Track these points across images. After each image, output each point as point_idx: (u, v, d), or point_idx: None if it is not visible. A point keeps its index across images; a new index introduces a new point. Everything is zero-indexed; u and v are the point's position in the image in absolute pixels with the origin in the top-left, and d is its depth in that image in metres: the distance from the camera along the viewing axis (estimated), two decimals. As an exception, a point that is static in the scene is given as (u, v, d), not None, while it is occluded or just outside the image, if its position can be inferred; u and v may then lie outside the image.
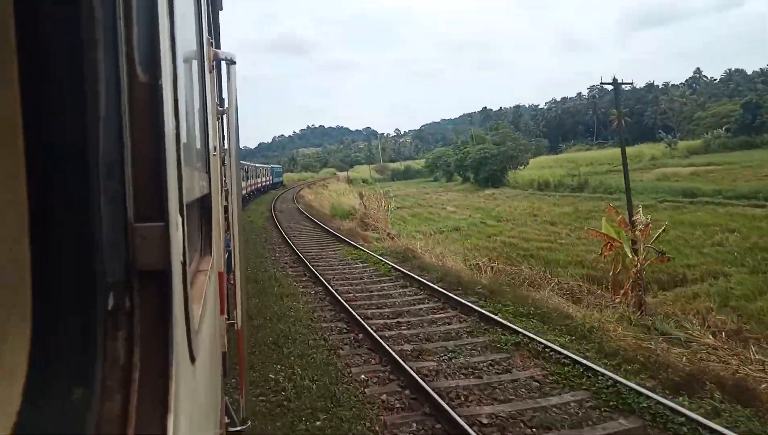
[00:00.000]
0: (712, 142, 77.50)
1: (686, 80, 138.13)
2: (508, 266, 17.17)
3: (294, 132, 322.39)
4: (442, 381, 6.79)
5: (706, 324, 12.03)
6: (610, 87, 22.47)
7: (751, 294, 17.94)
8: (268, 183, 56.68)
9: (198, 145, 1.84)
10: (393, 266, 14.11)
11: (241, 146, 3.09)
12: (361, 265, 15.08)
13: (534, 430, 5.48)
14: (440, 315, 9.81)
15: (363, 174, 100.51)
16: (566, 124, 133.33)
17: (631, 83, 21.57)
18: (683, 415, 5.46)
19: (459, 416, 5.53)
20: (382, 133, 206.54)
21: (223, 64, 2.76)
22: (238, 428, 2.78)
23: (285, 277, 13.55)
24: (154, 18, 0.77)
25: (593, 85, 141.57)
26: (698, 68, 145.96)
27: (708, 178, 48.96)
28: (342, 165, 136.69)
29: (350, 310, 9.91)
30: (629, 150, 50.00)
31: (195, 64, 1.81)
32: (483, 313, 9.34)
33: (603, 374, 6.43)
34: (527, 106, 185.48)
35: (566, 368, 6.86)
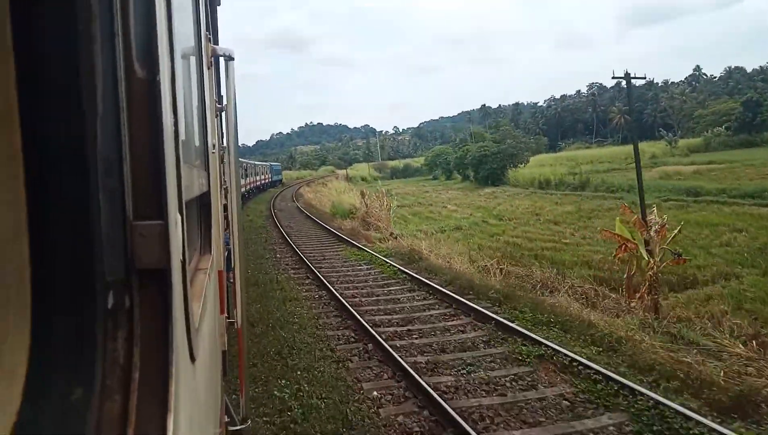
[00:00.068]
0: (713, 141, 77.10)
1: (686, 78, 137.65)
2: (516, 267, 16.60)
3: (292, 129, 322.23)
4: (463, 399, 6.21)
5: (722, 328, 11.52)
6: (609, 85, 22.02)
7: (765, 296, 17.41)
8: (267, 181, 56.20)
9: (197, 143, 1.83)
10: (399, 268, 13.52)
11: (239, 144, 2.97)
12: (365, 266, 14.50)
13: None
14: (453, 322, 9.24)
15: (362, 172, 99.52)
16: (566, 121, 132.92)
17: (644, 77, 21.02)
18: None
19: (487, 443, 4.97)
20: (381, 131, 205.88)
21: (222, 60, 2.71)
22: (238, 427, 2.73)
23: (287, 279, 12.96)
24: (152, 13, 0.74)
25: (592, 83, 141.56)
26: (698, 66, 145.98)
27: (710, 177, 48.42)
28: (341, 163, 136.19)
29: (357, 316, 9.34)
30: (628, 148, 49.63)
31: (193, 60, 1.77)
32: (500, 321, 8.77)
33: (642, 393, 5.83)
34: (526, 103, 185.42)
35: (598, 386, 6.26)
